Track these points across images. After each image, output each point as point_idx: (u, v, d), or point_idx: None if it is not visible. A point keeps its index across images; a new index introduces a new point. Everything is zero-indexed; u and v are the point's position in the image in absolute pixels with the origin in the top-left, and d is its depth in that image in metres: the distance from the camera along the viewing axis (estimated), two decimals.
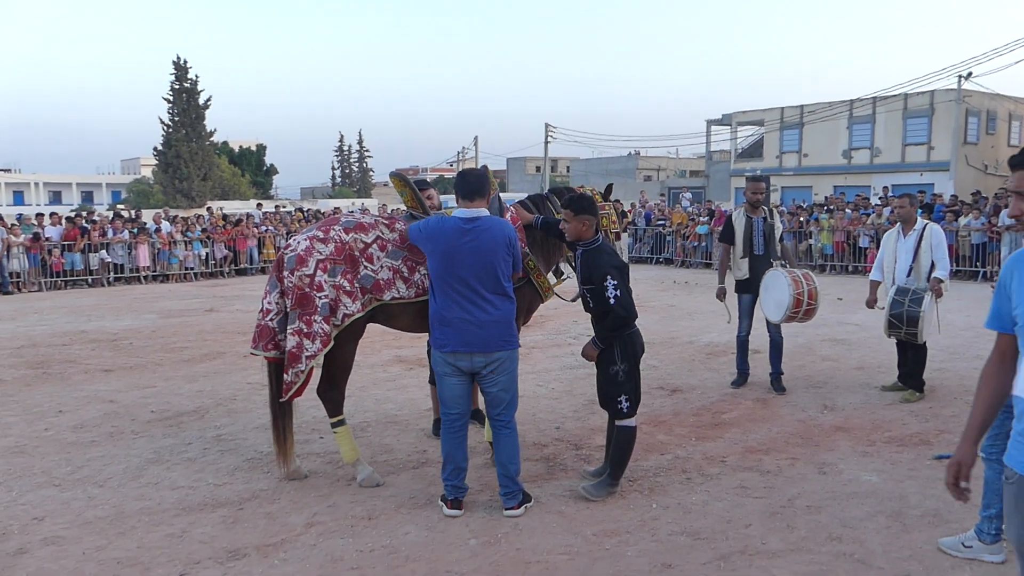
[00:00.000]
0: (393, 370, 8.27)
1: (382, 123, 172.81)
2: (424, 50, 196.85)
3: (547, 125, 43.55)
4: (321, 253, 4.60)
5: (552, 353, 9.05)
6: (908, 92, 32.27)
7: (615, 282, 4.38)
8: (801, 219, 19.50)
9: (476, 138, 49.50)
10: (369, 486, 4.85)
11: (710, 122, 42.86)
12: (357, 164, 75.07)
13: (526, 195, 6.14)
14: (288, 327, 4.58)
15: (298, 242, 4.70)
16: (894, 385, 7.06)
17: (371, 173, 73.60)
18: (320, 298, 4.54)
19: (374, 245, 4.71)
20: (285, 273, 4.63)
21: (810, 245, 18.91)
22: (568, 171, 61.68)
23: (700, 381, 7.57)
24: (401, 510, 4.51)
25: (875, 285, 7.15)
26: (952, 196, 20.77)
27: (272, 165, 60.01)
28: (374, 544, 4.09)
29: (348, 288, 4.61)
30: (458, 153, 52.01)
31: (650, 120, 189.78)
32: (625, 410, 4.58)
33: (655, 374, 7.89)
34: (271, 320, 4.67)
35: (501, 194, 5.71)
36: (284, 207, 32.34)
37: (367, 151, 75.83)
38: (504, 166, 66.69)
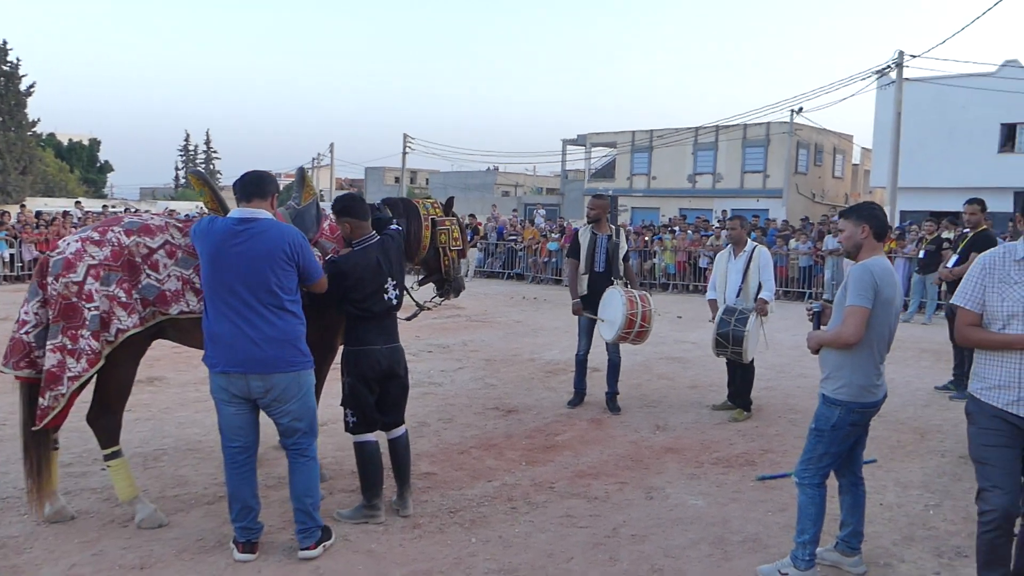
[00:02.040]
0: (207, 388, 7.49)
1: (232, 123, 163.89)
2: (279, 49, 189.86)
3: (405, 135, 43.02)
4: (94, 257, 3.95)
5: None
6: (747, 123, 34.29)
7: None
8: (646, 238, 20.10)
9: (332, 144, 48.08)
10: (150, 527, 4.21)
11: (566, 142, 43.83)
12: (203, 165, 71.22)
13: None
14: (48, 342, 3.88)
15: (67, 244, 4.02)
16: (724, 404, 7.13)
17: (219, 175, 69.97)
18: (89, 309, 3.88)
19: (161, 251, 4.11)
20: (49, 279, 3.93)
21: (654, 264, 19.47)
22: (427, 183, 61.19)
23: (536, 401, 7.35)
24: (183, 556, 3.91)
25: (713, 304, 7.20)
26: (783, 221, 22.10)
27: (107, 162, 55.80)
28: None
29: (124, 299, 3.97)
30: (313, 159, 50.22)
31: (509, 137, 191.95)
32: (351, 425, 4.37)
33: (492, 393, 7.61)
34: (27, 333, 3.96)
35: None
36: (113, 207, 29.81)
37: (215, 152, 72.23)
38: (362, 175, 65.30)
